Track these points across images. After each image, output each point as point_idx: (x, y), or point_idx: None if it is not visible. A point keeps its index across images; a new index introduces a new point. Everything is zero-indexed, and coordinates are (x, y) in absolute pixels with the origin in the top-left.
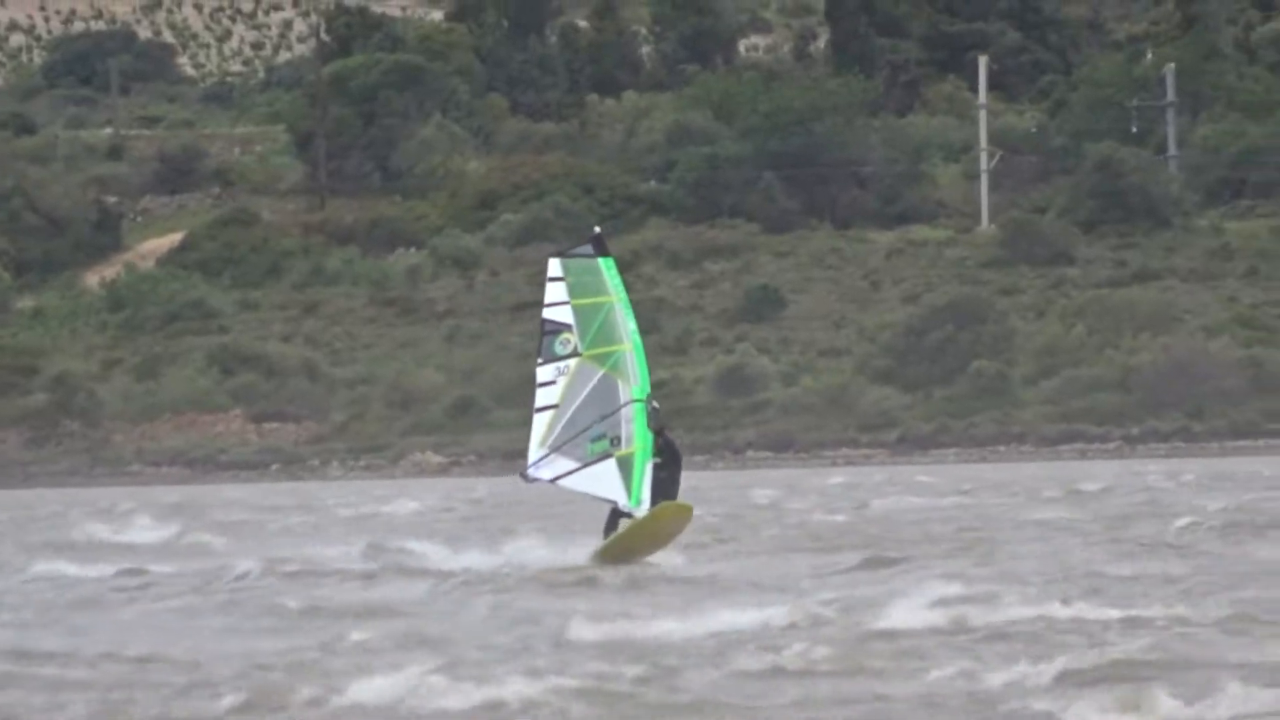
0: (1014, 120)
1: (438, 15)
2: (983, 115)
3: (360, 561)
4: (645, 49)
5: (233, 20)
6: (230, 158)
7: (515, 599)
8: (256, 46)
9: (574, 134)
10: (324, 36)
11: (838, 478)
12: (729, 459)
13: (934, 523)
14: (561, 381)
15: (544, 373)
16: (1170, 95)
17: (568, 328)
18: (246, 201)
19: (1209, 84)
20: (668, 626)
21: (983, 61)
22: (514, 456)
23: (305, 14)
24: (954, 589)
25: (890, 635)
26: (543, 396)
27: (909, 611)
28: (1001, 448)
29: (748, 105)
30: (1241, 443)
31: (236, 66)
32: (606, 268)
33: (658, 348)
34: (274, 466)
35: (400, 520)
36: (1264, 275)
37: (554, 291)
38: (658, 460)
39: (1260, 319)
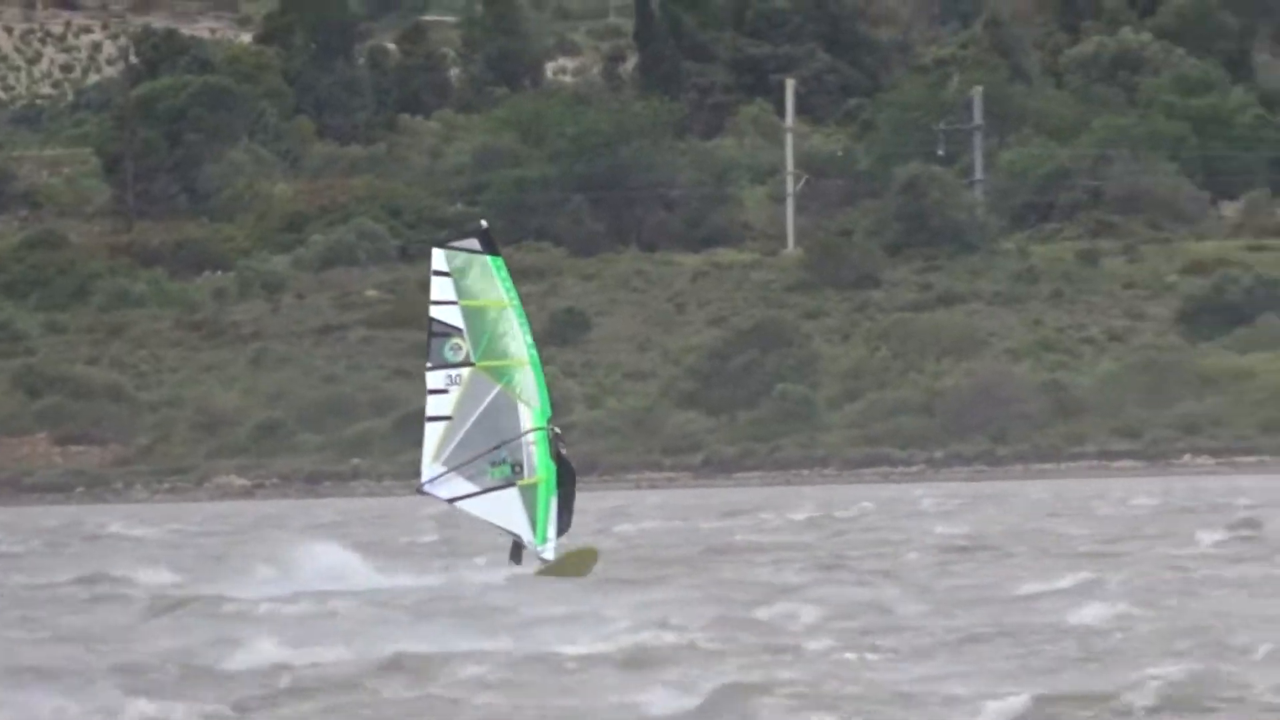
0: (821, 143)
1: (246, 38)
2: (789, 138)
3: (76, 587)
4: (454, 71)
5: (42, 43)
6: (39, 180)
7: (209, 625)
8: (66, 69)
9: (382, 157)
10: (133, 59)
11: (614, 501)
12: None
13: (669, 547)
14: (455, 392)
15: (434, 379)
16: (977, 118)
17: (458, 332)
18: (54, 224)
19: (1016, 107)
20: (337, 653)
21: (789, 84)
22: (318, 479)
23: (115, 36)
24: (640, 614)
25: (564, 661)
26: (434, 405)
27: (591, 637)
28: (805, 471)
29: (555, 128)
30: (1045, 465)
31: (46, 89)
32: (496, 267)
33: None
34: (79, 489)
35: (147, 544)
36: (1068, 298)
37: (441, 288)
38: None
39: (1064, 342)
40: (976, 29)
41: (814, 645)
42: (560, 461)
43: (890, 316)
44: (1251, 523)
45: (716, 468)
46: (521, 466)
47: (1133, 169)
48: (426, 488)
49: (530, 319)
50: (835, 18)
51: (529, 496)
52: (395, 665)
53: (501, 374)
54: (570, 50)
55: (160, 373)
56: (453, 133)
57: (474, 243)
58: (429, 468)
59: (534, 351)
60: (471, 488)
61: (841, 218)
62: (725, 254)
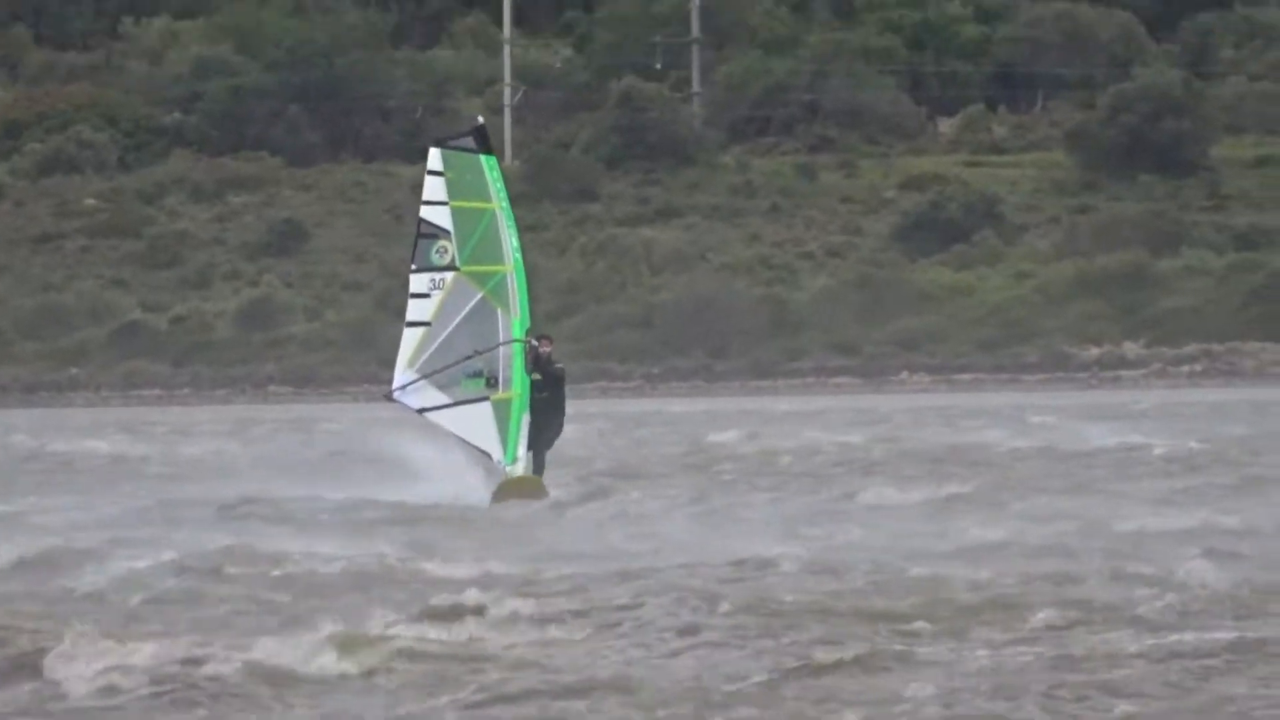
0: (540, 55)
1: None
2: (507, 49)
3: None
4: None
5: None
6: None
7: None
8: None
9: (100, 65)
10: None
11: (325, 411)
12: (250, 393)
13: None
14: (436, 297)
15: (417, 282)
16: (695, 31)
17: (445, 234)
18: None
19: (734, 20)
20: None
21: None
22: (35, 389)
23: None
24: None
25: None
26: (414, 309)
27: None
28: None
29: (272, 37)
30: (762, 382)
31: None
32: (489, 167)
33: (179, 281)
34: None
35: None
36: (786, 213)
37: (432, 188)
38: (536, 377)
39: (781, 258)
40: None
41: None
42: (542, 365)
43: (607, 230)
44: None
45: None
46: (496, 379)
47: (850, 83)
48: (396, 395)
49: (247, 229)
50: None
51: (502, 412)
52: None
53: (485, 280)
54: None
55: None
56: (171, 40)
57: (469, 141)
58: (401, 374)
59: (519, 256)
60: (443, 399)
61: (560, 130)
62: None
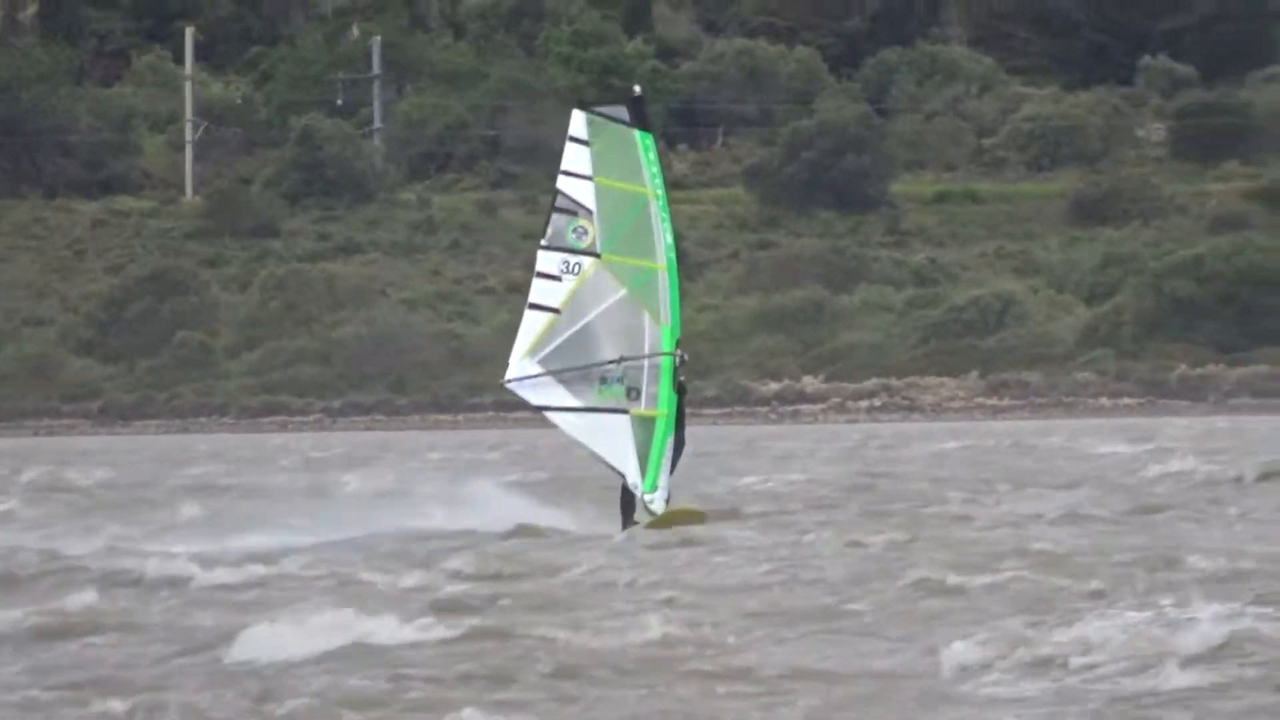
0: (221, 92)
1: None
2: (189, 86)
3: None
4: None
5: None
6: None
7: None
8: None
9: None
10: None
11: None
12: None
13: None
14: (568, 282)
15: (546, 261)
16: (376, 68)
17: (586, 212)
18: None
19: (414, 57)
20: None
21: (189, 32)
22: None
23: None
24: None
25: None
26: (540, 291)
27: None
28: (204, 419)
29: None
30: (442, 416)
31: None
32: (644, 146)
33: None
34: None
35: None
36: (466, 249)
37: (574, 157)
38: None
39: (461, 293)
40: None
41: None
42: (681, 392)
43: (288, 265)
44: None
45: (115, 415)
46: (639, 393)
47: (530, 120)
48: (513, 385)
49: None
50: None
51: (645, 431)
52: None
53: (631, 276)
54: None
55: None
56: None
57: (622, 111)
58: (520, 363)
59: (673, 256)
60: (571, 400)
61: (241, 167)
62: (124, 201)
